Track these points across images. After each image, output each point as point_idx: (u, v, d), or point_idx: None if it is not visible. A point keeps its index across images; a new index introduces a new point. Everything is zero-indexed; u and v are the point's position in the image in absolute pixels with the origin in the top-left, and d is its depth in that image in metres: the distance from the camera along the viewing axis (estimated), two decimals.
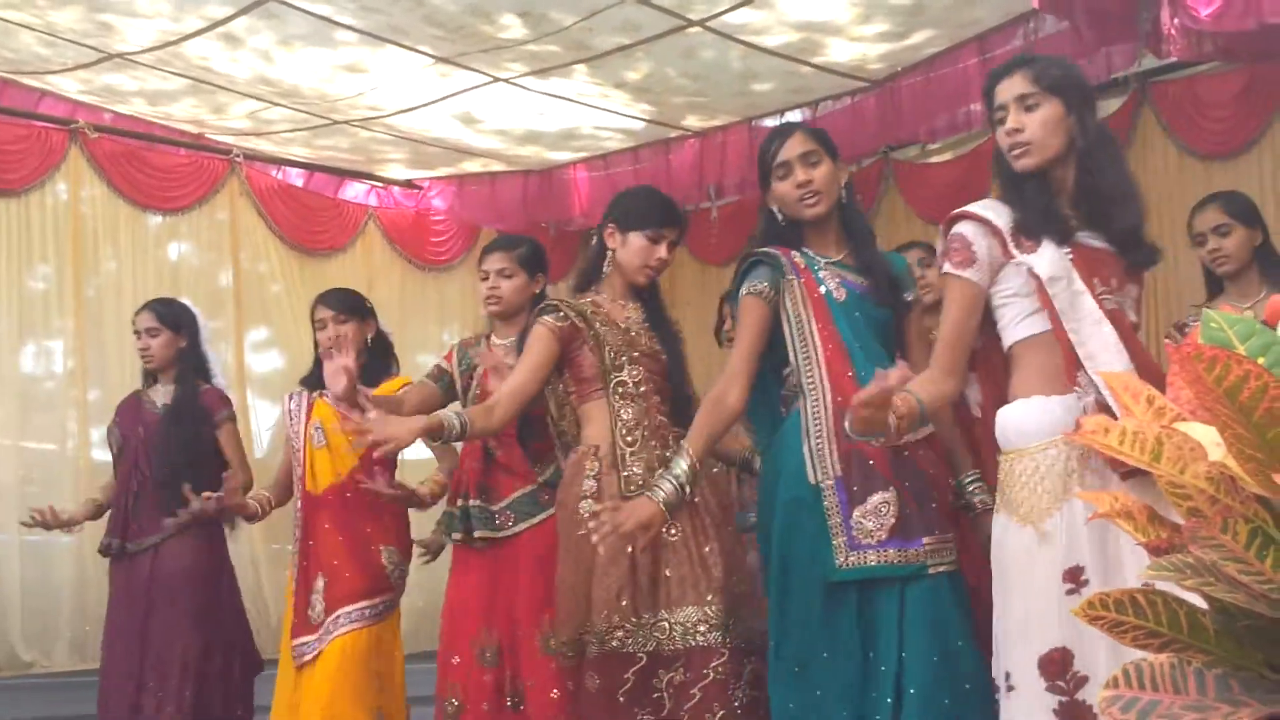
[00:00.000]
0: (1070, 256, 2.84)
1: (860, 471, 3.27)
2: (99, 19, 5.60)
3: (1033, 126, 2.87)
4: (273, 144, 7.40)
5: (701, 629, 3.53)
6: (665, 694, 3.52)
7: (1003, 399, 2.96)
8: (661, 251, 3.77)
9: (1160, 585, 1.38)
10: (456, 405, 4.38)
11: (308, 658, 4.62)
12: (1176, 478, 1.38)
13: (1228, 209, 4.39)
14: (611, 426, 3.66)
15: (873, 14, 5.55)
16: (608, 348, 3.69)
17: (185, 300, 5.40)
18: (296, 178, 7.81)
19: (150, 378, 5.25)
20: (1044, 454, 2.77)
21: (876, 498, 3.27)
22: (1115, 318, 2.82)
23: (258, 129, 7.10)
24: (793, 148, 3.44)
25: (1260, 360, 1.37)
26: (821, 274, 3.45)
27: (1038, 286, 2.81)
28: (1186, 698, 1.30)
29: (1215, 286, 4.44)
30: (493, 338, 4.47)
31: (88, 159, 6.85)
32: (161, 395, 5.18)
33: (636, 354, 3.73)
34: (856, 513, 3.26)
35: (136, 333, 5.19)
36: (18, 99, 6.65)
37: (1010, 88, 2.91)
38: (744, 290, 3.43)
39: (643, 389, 3.71)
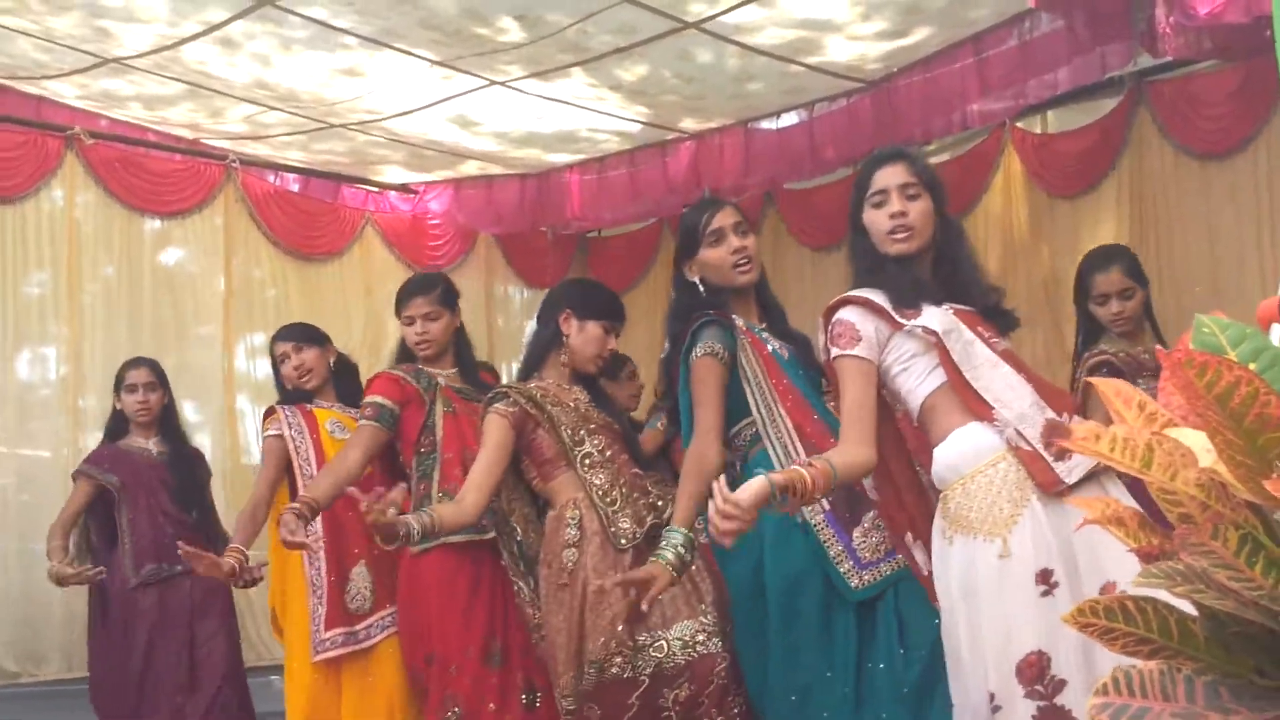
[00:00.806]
0: (951, 312, 3.00)
1: (845, 497, 3.35)
2: (97, 24, 5.59)
3: (915, 213, 3.05)
4: (270, 148, 7.39)
5: (700, 638, 3.55)
6: (672, 712, 3.53)
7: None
8: (613, 342, 3.96)
9: (1145, 591, 1.37)
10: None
11: (361, 645, 4.70)
12: (1167, 484, 1.37)
13: (1130, 272, 4.50)
14: (588, 493, 3.70)
15: (873, 13, 5.54)
16: (564, 426, 3.78)
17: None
18: (293, 183, 7.81)
19: (120, 430, 5.54)
20: (995, 468, 2.85)
21: (870, 515, 3.36)
22: (1008, 357, 2.98)
23: (255, 133, 7.10)
24: (725, 217, 3.60)
25: (1252, 366, 1.36)
26: (764, 335, 3.55)
27: (935, 342, 2.93)
28: (1176, 705, 1.29)
29: (1095, 333, 4.52)
30: (428, 369, 4.52)
31: (84, 165, 6.85)
32: (152, 445, 5.53)
33: (593, 426, 3.81)
34: (856, 534, 3.36)
35: (132, 386, 5.49)
36: (14, 106, 6.65)
37: (893, 175, 3.09)
38: (699, 352, 3.51)
39: (609, 453, 3.81)
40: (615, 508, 3.69)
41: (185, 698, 5.28)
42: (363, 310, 7.88)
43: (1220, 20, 4.38)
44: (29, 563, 6.45)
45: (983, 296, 3.10)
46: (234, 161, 7.35)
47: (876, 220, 3.08)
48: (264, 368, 7.40)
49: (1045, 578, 2.73)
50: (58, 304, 6.81)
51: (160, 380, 5.54)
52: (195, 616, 5.36)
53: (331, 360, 5.10)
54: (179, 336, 6.86)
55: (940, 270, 3.10)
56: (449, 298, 4.56)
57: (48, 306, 6.84)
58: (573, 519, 3.69)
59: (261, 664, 6.67)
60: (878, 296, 3.02)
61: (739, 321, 3.56)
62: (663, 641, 3.55)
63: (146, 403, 5.47)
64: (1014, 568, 2.76)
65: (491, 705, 4.16)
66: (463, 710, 4.17)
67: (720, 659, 3.54)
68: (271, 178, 7.68)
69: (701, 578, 3.61)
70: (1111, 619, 1.38)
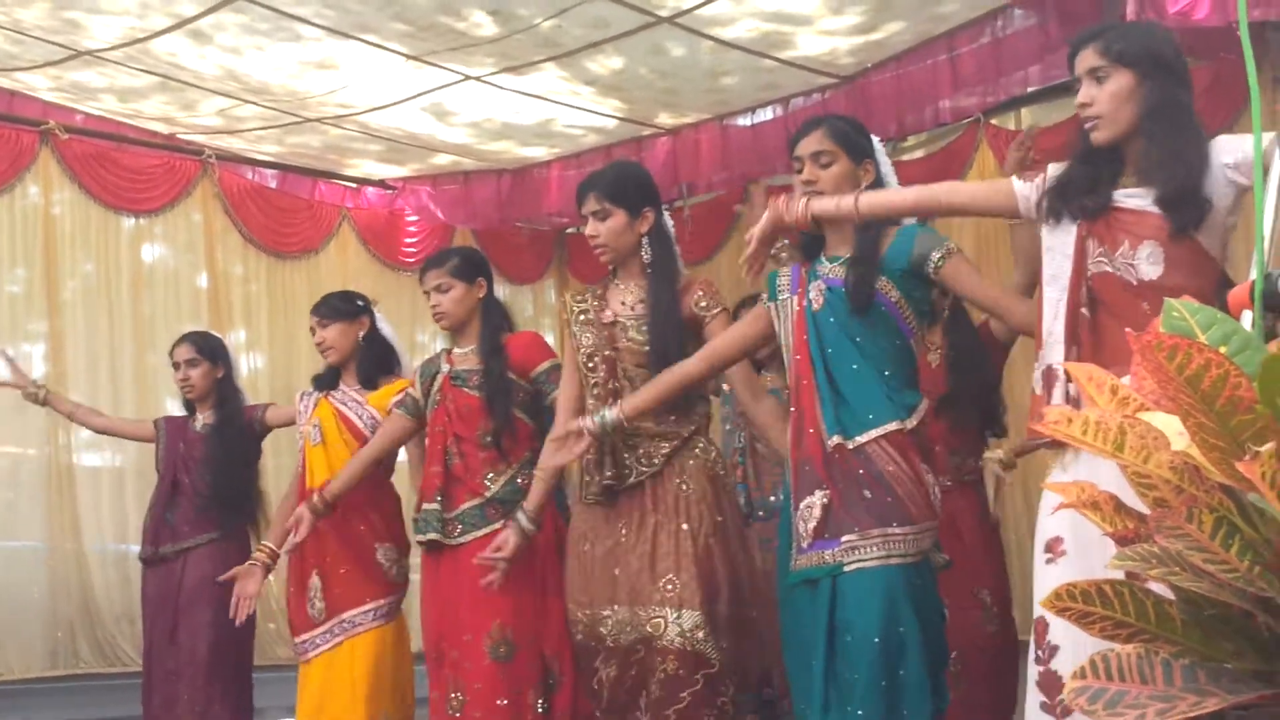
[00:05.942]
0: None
1: (801, 476, 3.30)
2: (65, 16, 5.57)
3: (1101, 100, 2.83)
4: (244, 141, 7.36)
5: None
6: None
7: None
8: None
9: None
10: None
11: (311, 654, 4.75)
12: (1140, 467, 1.38)
13: None
14: None
15: (843, 6, 5.54)
16: None
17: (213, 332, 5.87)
18: (270, 179, 7.76)
19: (189, 407, 5.64)
20: None
21: (806, 500, 3.27)
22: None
23: (229, 126, 7.07)
24: (808, 145, 3.38)
25: (1222, 349, 1.38)
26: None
27: None
28: (1154, 688, 1.30)
29: None
30: (453, 350, 4.51)
31: (58, 160, 6.80)
32: (201, 420, 5.56)
33: None
34: (797, 517, 3.28)
35: (175, 364, 5.55)
36: None
37: (1084, 60, 2.87)
38: None
39: None
40: None
41: (179, 688, 5.29)
42: None
43: (1189, 20, 4.40)
44: (12, 561, 6.46)
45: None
46: (210, 157, 7.31)
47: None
48: (249, 363, 7.41)
49: (1053, 545, 2.71)
50: (38, 301, 6.77)
51: (204, 354, 5.53)
52: (178, 611, 5.33)
53: (361, 335, 4.96)
54: (161, 333, 6.82)
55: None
56: (462, 269, 4.48)
57: (28, 303, 6.80)
58: None
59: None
60: None
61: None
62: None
63: (187, 379, 5.51)
64: (1039, 529, 2.80)
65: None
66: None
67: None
68: (248, 174, 7.64)
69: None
70: (1089, 603, 1.39)
